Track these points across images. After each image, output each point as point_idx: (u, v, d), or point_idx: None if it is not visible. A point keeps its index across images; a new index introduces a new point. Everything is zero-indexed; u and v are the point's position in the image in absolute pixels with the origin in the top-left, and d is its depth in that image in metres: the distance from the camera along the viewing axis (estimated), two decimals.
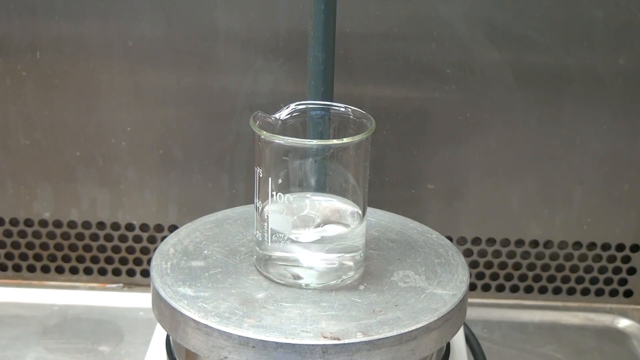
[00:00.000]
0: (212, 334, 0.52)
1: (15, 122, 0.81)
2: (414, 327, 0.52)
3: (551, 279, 0.86)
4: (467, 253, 0.84)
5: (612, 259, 0.85)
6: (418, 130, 0.81)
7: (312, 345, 0.51)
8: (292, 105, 0.58)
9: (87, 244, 0.85)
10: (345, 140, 0.54)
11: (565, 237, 0.84)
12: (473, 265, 0.85)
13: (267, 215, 0.55)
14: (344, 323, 0.53)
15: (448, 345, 0.60)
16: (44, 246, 0.86)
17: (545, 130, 0.80)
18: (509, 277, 0.86)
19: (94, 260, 0.86)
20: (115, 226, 0.85)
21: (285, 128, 0.56)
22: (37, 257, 0.86)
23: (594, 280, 0.86)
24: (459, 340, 0.66)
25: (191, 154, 0.82)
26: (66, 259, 0.86)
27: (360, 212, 0.57)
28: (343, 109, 0.58)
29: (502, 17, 0.77)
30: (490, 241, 0.85)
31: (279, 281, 0.57)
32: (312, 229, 0.57)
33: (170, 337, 0.60)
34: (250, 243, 0.61)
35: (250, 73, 0.79)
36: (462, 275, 0.58)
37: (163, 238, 0.71)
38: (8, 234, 0.85)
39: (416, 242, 0.63)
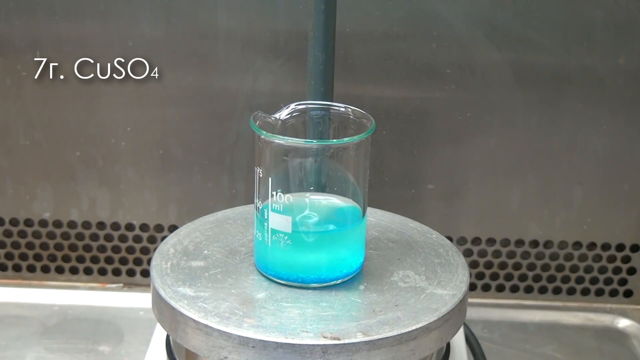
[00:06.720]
0: (212, 334, 0.52)
1: (15, 122, 0.81)
2: (414, 327, 0.52)
3: (551, 279, 0.86)
4: (467, 253, 0.84)
5: (612, 259, 0.85)
6: (418, 130, 0.81)
7: (312, 345, 0.51)
8: (292, 105, 0.58)
9: (87, 244, 0.85)
10: (345, 140, 0.54)
11: (565, 237, 0.84)
12: (473, 265, 0.85)
13: (267, 215, 0.55)
14: (344, 323, 0.53)
15: (448, 345, 0.60)
16: (44, 246, 0.86)
17: (545, 130, 0.80)
18: (509, 277, 0.86)
19: (94, 260, 0.86)
20: (115, 226, 0.85)
21: (285, 128, 0.56)
22: (37, 257, 0.86)
23: (594, 280, 0.86)
24: (459, 340, 0.66)
25: (191, 154, 0.82)
26: (66, 259, 0.86)
27: (360, 212, 0.57)
28: (343, 109, 0.58)
29: (502, 17, 0.77)
30: (490, 241, 0.85)
31: (279, 281, 0.57)
32: (312, 228, 0.57)
33: (170, 337, 0.60)
34: (250, 243, 0.61)
35: (250, 73, 0.79)
36: (462, 275, 0.58)
37: (163, 238, 0.71)
38: (8, 234, 0.85)
39: (416, 242, 0.62)
